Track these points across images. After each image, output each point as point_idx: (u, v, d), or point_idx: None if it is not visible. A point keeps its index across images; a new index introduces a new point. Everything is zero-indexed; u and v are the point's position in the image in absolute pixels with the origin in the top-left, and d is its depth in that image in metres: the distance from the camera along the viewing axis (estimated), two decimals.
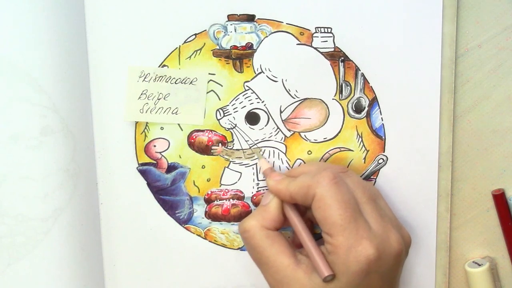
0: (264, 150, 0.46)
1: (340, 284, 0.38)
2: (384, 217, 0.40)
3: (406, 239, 0.41)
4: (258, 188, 0.46)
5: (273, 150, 0.46)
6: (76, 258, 0.45)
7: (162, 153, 0.46)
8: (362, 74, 0.45)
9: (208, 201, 0.46)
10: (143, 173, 0.46)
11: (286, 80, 0.45)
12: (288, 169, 0.46)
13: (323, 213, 0.39)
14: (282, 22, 0.44)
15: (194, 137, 0.45)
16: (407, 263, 0.47)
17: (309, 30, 0.44)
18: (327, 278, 0.38)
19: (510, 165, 0.46)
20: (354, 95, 0.45)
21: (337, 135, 0.46)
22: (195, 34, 0.44)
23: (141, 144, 0.45)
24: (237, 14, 0.44)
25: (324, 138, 0.46)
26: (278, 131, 0.46)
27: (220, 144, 0.46)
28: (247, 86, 0.45)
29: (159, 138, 0.45)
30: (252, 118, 0.45)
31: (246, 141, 0.46)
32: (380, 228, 0.39)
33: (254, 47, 0.44)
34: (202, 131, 0.45)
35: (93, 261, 0.46)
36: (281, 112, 0.45)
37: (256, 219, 0.42)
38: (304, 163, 0.46)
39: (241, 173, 0.46)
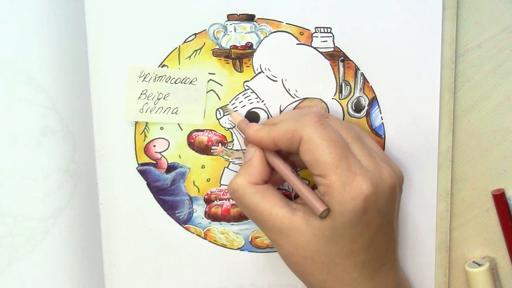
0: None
1: (338, 225, 0.37)
2: (373, 154, 0.40)
3: (398, 173, 0.41)
4: None
5: None
6: (76, 258, 0.45)
7: (162, 153, 0.46)
8: (362, 74, 0.45)
9: (208, 201, 0.46)
10: (143, 173, 0.46)
11: (285, 80, 0.45)
12: None
13: (313, 154, 0.38)
14: (282, 22, 0.44)
15: (194, 137, 0.45)
16: (407, 263, 0.47)
17: (309, 30, 0.44)
18: (323, 214, 0.37)
19: (510, 165, 0.46)
20: (353, 95, 0.45)
21: None
22: (195, 34, 0.44)
23: (141, 144, 0.45)
24: (236, 14, 0.44)
25: None
26: None
27: (220, 144, 0.46)
28: (247, 85, 0.45)
29: (159, 138, 0.45)
30: (252, 118, 0.45)
31: None
32: (371, 164, 0.38)
33: (254, 47, 0.44)
34: (202, 131, 0.45)
35: (93, 261, 0.46)
36: (281, 111, 0.45)
37: (243, 177, 0.41)
38: None
39: None
